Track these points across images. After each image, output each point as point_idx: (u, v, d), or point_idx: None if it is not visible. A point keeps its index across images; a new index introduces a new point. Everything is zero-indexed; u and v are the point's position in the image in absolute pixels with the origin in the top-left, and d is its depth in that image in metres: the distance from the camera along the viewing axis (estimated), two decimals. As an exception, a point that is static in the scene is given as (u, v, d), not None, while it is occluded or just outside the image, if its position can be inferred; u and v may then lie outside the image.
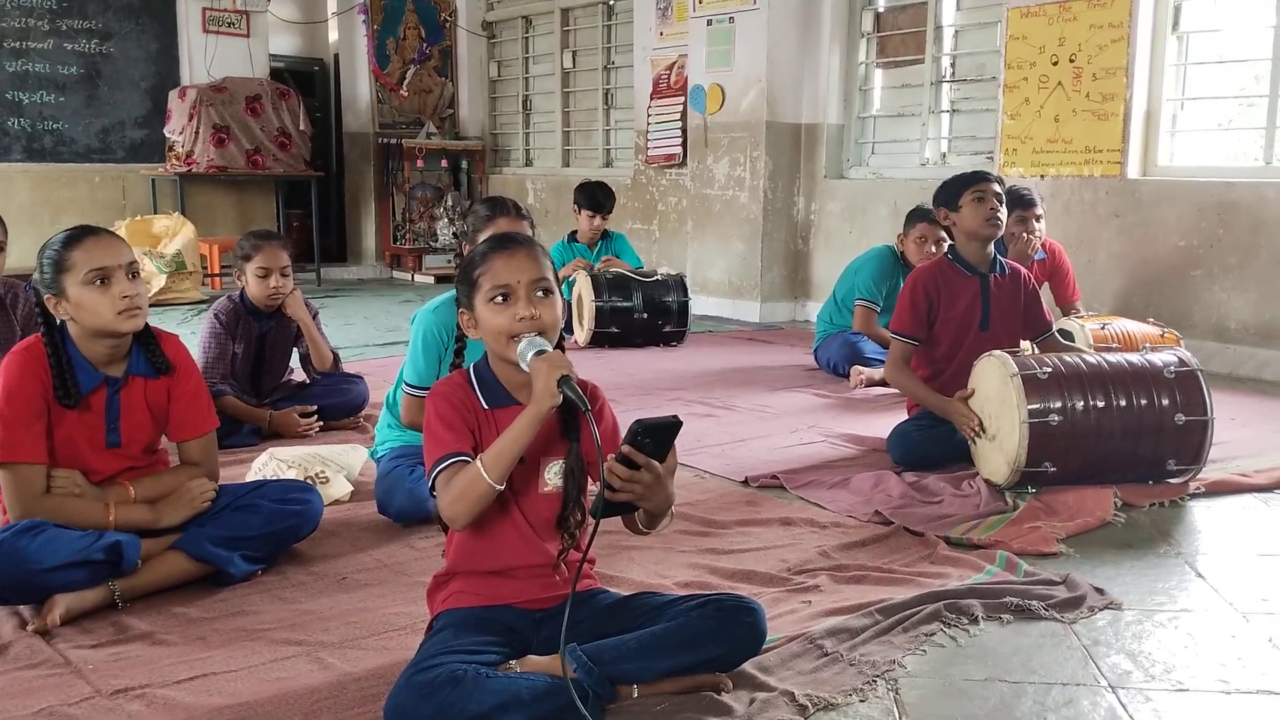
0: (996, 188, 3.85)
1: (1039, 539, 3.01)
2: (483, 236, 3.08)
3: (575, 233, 6.94)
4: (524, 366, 2.02)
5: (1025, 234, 5.00)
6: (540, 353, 2.00)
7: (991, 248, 3.90)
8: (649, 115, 8.73)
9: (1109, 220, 6.12)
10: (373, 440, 3.66)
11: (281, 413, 4.24)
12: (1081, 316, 5.06)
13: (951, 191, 3.89)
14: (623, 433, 1.95)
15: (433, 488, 2.07)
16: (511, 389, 2.12)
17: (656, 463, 1.95)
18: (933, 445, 3.79)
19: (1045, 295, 5.21)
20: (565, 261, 6.77)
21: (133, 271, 2.63)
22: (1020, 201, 4.93)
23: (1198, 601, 2.65)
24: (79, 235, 2.62)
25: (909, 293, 3.92)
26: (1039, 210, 5.15)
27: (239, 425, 4.10)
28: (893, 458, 3.86)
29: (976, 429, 3.57)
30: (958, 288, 3.89)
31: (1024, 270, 4.03)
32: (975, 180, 3.86)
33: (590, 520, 2.03)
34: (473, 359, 2.23)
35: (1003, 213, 3.85)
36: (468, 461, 2.03)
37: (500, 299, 2.06)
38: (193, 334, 4.23)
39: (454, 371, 2.23)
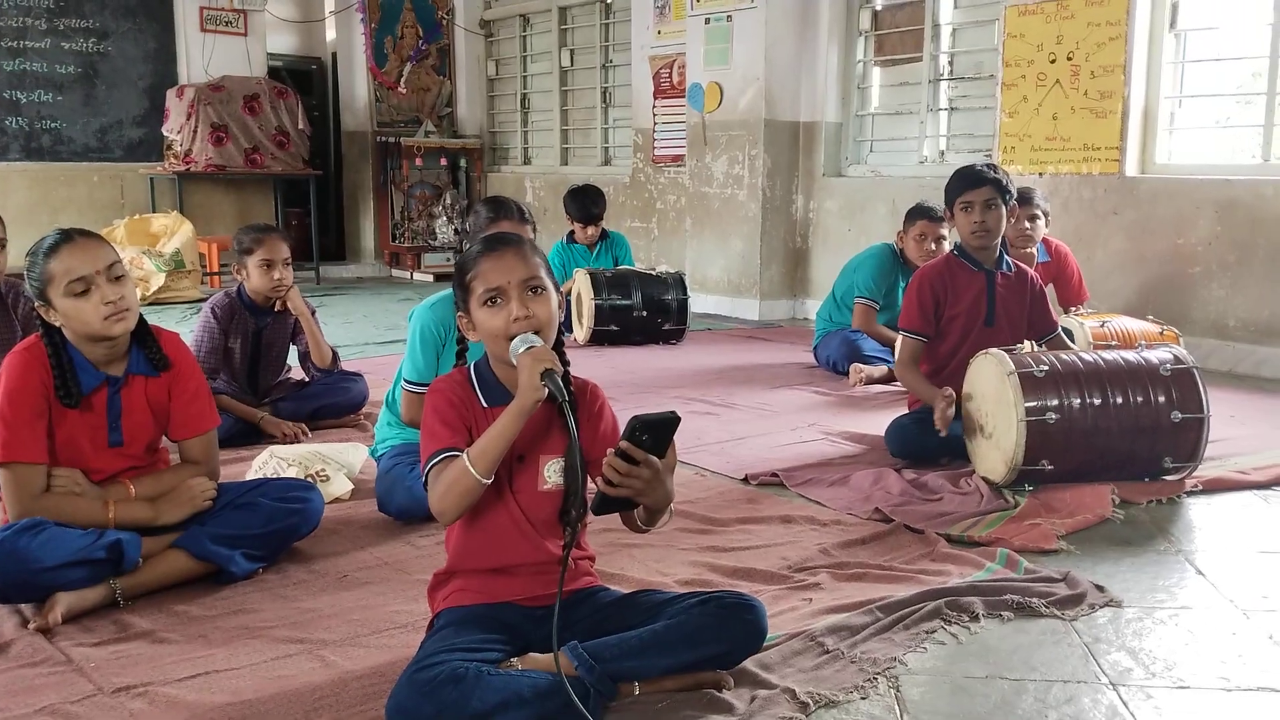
0: (986, 194, 3.79)
1: (1039, 536, 3.01)
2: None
3: (574, 233, 6.93)
4: (514, 362, 2.03)
5: (1017, 232, 5.03)
6: (529, 349, 2.01)
7: (996, 245, 3.90)
8: (655, 115, 8.73)
9: (1108, 218, 6.12)
10: (373, 438, 3.66)
11: (274, 420, 4.21)
12: (1081, 314, 5.07)
13: (948, 195, 3.92)
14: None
15: (426, 482, 2.09)
16: (509, 387, 2.11)
17: (655, 459, 1.95)
18: (928, 438, 3.81)
19: (1050, 296, 5.22)
20: (565, 263, 6.79)
21: (115, 274, 2.60)
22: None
23: (1198, 599, 2.66)
24: (55, 245, 2.59)
25: (915, 291, 3.93)
26: (1035, 209, 5.14)
27: (238, 423, 4.10)
28: (889, 451, 3.89)
29: (948, 408, 3.58)
30: (962, 283, 3.90)
31: (1031, 270, 4.03)
32: (963, 189, 3.84)
33: (591, 514, 2.04)
34: (474, 357, 2.24)
35: (995, 219, 3.80)
36: (459, 456, 2.03)
37: (493, 301, 2.07)
38: (191, 332, 4.22)
39: (455, 369, 2.23)
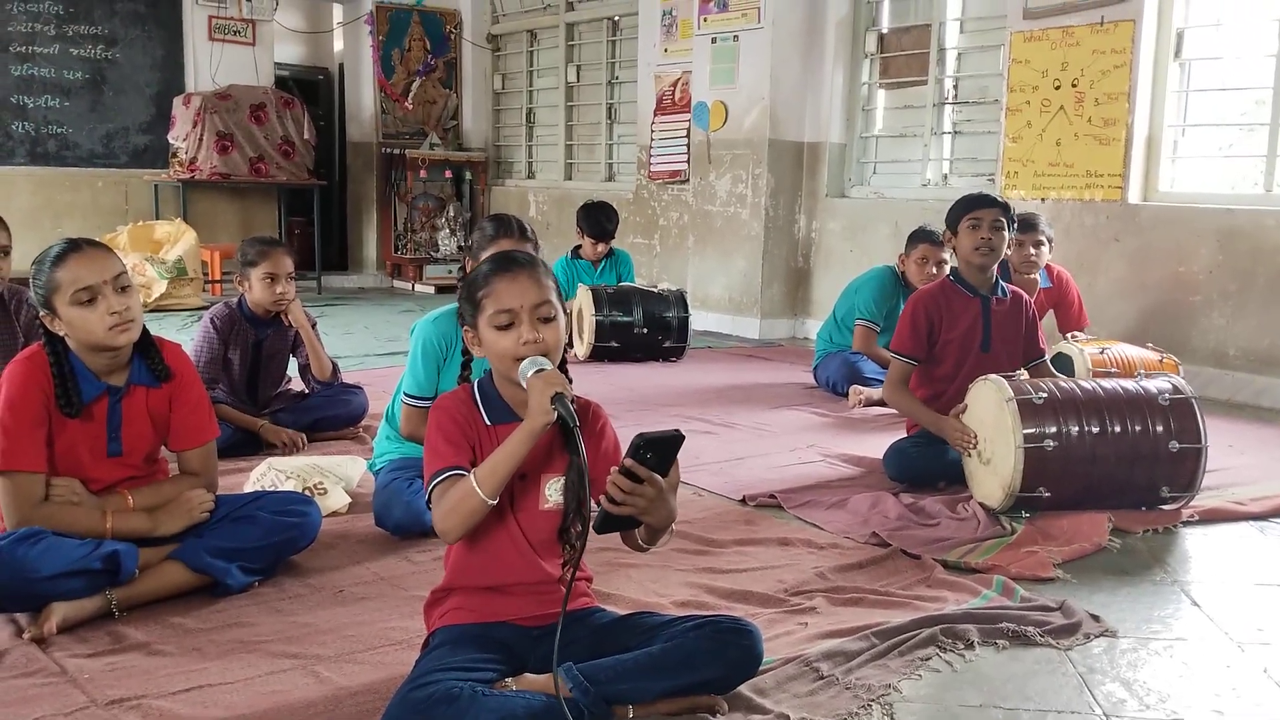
0: (995, 215, 3.83)
1: (1036, 564, 3.01)
2: (486, 255, 3.09)
3: (579, 248, 6.94)
4: (523, 384, 2.04)
5: (1022, 257, 5.06)
6: (539, 371, 2.02)
7: (993, 271, 3.91)
8: (653, 131, 8.75)
9: (1109, 245, 6.13)
10: (371, 452, 3.66)
11: (274, 427, 4.24)
12: (1081, 340, 5.08)
13: (953, 214, 3.92)
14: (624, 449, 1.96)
15: (429, 500, 2.09)
16: (514, 406, 2.13)
17: (659, 477, 1.96)
18: (927, 463, 3.82)
19: (1049, 323, 5.24)
20: (569, 280, 6.78)
21: (121, 284, 2.61)
22: (1019, 224, 4.95)
23: (1193, 630, 2.66)
24: (63, 254, 2.60)
25: (910, 313, 3.94)
26: (1039, 235, 5.17)
27: (237, 433, 4.10)
28: (888, 474, 3.89)
29: (972, 443, 3.58)
30: (958, 309, 3.90)
31: (1025, 295, 4.04)
32: (973, 206, 3.87)
33: (590, 532, 2.04)
34: (478, 371, 2.25)
35: (999, 241, 3.83)
36: (464, 475, 2.04)
37: (503, 323, 2.08)
38: (191, 341, 4.23)
39: (459, 386, 2.24)
